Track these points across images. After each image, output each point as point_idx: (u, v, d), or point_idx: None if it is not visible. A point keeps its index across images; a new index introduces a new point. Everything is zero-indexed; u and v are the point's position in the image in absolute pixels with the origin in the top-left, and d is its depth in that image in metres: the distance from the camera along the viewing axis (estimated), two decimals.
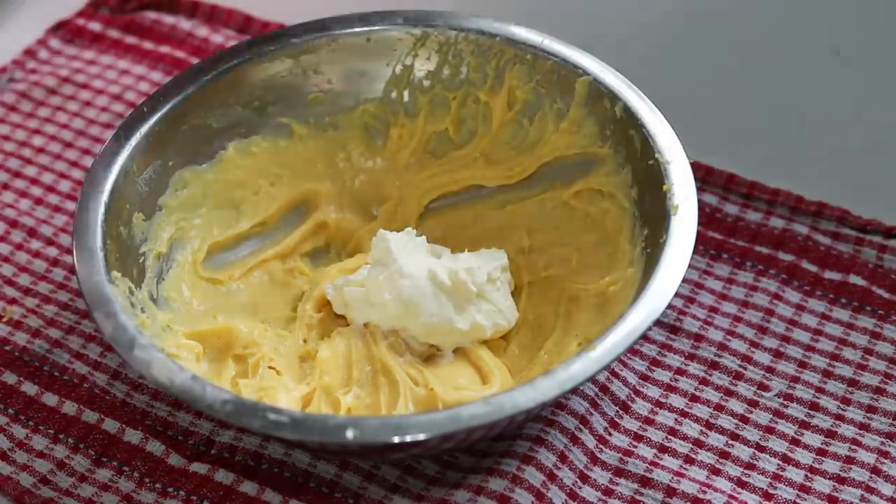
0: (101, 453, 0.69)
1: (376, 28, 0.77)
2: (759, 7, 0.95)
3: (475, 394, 0.68)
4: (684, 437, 0.69)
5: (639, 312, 0.63)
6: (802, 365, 0.73)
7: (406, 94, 0.78)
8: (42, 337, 0.74)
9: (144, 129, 0.72)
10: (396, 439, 0.60)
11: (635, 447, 0.69)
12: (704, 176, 0.81)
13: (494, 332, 0.71)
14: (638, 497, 0.67)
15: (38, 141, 0.85)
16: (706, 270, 0.77)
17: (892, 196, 0.81)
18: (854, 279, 0.76)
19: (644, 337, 0.66)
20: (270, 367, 0.70)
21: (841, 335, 0.74)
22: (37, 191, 0.82)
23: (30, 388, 0.72)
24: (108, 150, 0.70)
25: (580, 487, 0.67)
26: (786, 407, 0.71)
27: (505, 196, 0.77)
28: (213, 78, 0.74)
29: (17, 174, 0.83)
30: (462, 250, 0.74)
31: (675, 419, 0.70)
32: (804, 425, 0.70)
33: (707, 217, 0.79)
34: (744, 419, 0.70)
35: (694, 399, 0.71)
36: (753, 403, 0.71)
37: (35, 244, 0.79)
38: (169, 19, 0.93)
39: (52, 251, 0.79)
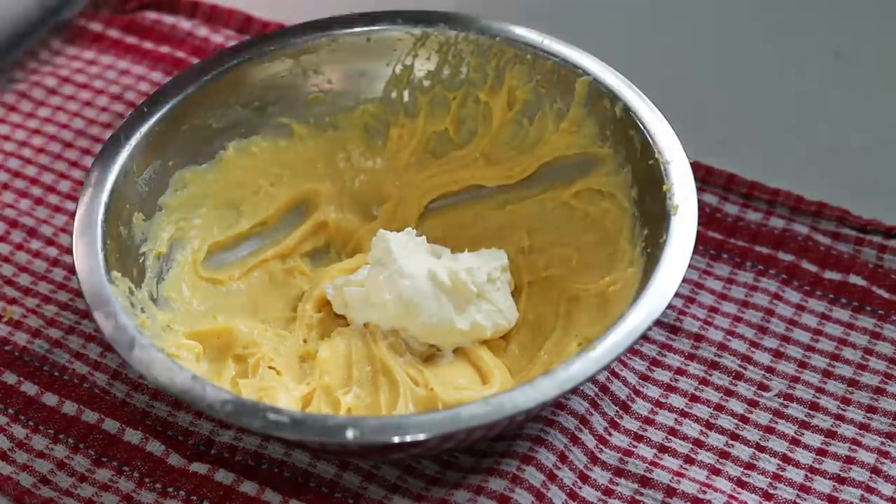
0: (101, 453, 0.69)
1: (376, 28, 0.77)
2: (759, 7, 0.95)
3: (475, 394, 0.68)
4: (684, 437, 0.69)
5: (639, 312, 0.63)
6: (802, 365, 0.73)
7: (406, 94, 0.78)
8: (42, 337, 0.74)
9: (144, 129, 0.72)
10: (396, 439, 0.60)
11: (635, 447, 0.69)
12: (704, 176, 0.81)
13: (494, 332, 0.71)
14: (638, 497, 0.67)
15: (38, 141, 0.85)
16: (706, 270, 0.77)
17: (892, 196, 0.81)
18: (854, 279, 0.76)
19: (644, 337, 0.66)
20: (270, 367, 0.70)
21: (841, 335, 0.74)
22: (37, 191, 0.82)
23: (30, 388, 0.72)
24: (108, 150, 0.70)
25: (580, 487, 0.67)
26: (786, 407, 0.71)
27: (505, 196, 0.77)
28: (213, 78, 0.74)
29: (17, 174, 0.83)
30: (462, 250, 0.74)
31: (675, 419, 0.70)
32: (804, 425, 0.70)
33: (707, 217, 0.79)
34: (744, 419, 0.70)
35: (694, 399, 0.71)
36: (753, 403, 0.71)
37: (35, 244, 0.79)
38: (169, 19, 0.93)
39: (52, 251, 0.79)
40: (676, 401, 0.71)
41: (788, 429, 0.70)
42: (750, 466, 0.68)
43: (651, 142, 0.70)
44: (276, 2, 0.94)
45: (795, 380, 0.72)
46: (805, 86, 0.89)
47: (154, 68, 0.90)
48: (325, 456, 0.68)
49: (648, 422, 0.70)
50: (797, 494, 0.67)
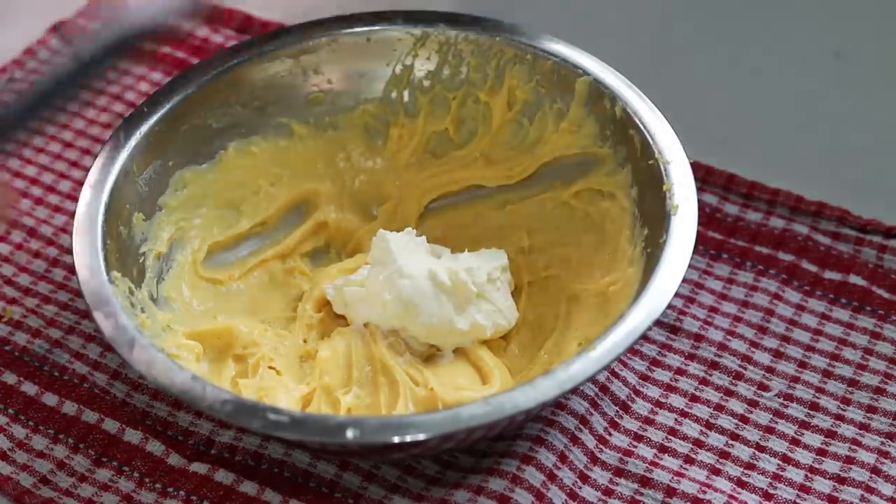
0: (101, 453, 0.69)
1: (376, 28, 0.77)
2: (759, 7, 0.95)
3: (475, 394, 0.68)
4: (684, 437, 0.69)
5: (639, 312, 0.63)
6: (802, 365, 0.73)
7: (406, 94, 0.78)
8: (42, 337, 0.74)
9: (144, 129, 0.72)
10: (396, 439, 0.60)
11: (635, 447, 0.69)
12: (704, 176, 0.81)
13: (494, 332, 0.71)
14: (638, 497, 0.67)
15: (38, 141, 0.85)
16: (706, 270, 0.77)
17: (892, 196, 0.81)
18: (854, 279, 0.76)
19: (644, 337, 0.66)
20: (270, 367, 0.70)
21: (841, 335, 0.74)
22: (37, 191, 0.82)
23: (30, 388, 0.72)
24: (108, 150, 0.70)
25: (580, 487, 0.67)
26: (786, 407, 0.71)
27: (505, 196, 0.77)
28: (213, 78, 0.74)
29: (17, 174, 0.83)
30: (462, 250, 0.74)
31: (675, 419, 0.70)
32: (804, 425, 0.70)
33: (707, 217, 0.79)
34: (744, 419, 0.70)
35: (694, 399, 0.71)
36: (753, 403, 0.71)
37: (35, 244, 0.79)
38: None
39: (52, 251, 0.79)
40: (676, 401, 0.71)
41: (788, 429, 0.70)
42: (750, 466, 0.68)
43: (651, 142, 0.70)
44: (276, 2, 0.94)
45: (795, 380, 0.72)
46: (805, 86, 0.89)
47: (154, 68, 0.90)
48: (325, 456, 0.68)
49: (648, 422, 0.70)
50: (797, 494, 0.67)
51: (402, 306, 0.69)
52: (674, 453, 0.69)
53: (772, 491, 0.67)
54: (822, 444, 0.69)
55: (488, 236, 0.76)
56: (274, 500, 0.66)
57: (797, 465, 0.69)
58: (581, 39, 0.76)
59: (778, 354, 0.73)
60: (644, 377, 0.72)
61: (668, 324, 0.74)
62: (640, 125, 0.71)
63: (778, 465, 0.68)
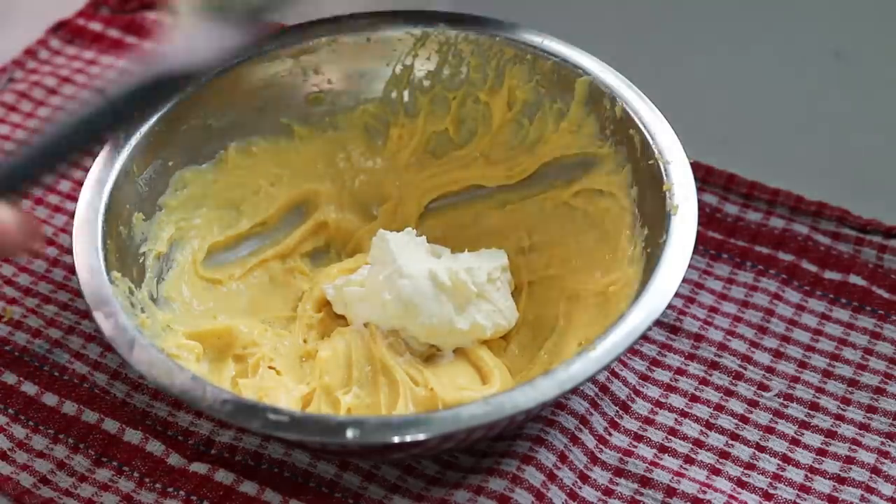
0: (101, 453, 0.69)
1: (376, 28, 0.77)
2: (759, 7, 0.95)
3: (475, 394, 0.68)
4: (684, 437, 0.69)
5: (639, 312, 0.63)
6: (802, 365, 0.73)
7: (406, 94, 0.78)
8: (42, 337, 0.74)
9: (144, 129, 0.72)
10: (396, 439, 0.60)
11: (635, 447, 0.69)
12: (704, 176, 0.81)
13: (494, 332, 0.71)
14: (638, 497, 0.67)
15: None
16: (706, 270, 0.77)
17: (892, 196, 0.81)
18: (854, 279, 0.76)
19: (644, 337, 0.66)
20: (270, 367, 0.70)
21: (841, 335, 0.74)
22: (37, 191, 0.82)
23: (30, 388, 0.72)
24: (108, 150, 0.70)
25: (580, 487, 0.67)
26: (786, 407, 0.71)
27: (505, 196, 0.77)
28: (213, 78, 0.74)
29: None
30: (462, 250, 0.74)
31: (675, 419, 0.70)
32: (804, 425, 0.70)
33: (707, 217, 0.79)
34: (744, 419, 0.70)
35: (694, 399, 0.71)
36: (753, 403, 0.71)
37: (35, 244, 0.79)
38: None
39: (52, 251, 0.79)
40: (676, 401, 0.71)
41: (788, 429, 0.70)
42: (750, 466, 0.68)
43: (651, 142, 0.70)
44: None
45: (795, 380, 0.72)
46: (805, 86, 0.89)
47: None
48: (325, 456, 0.68)
49: (648, 422, 0.70)
50: (797, 494, 0.67)
51: (402, 306, 0.69)
52: (674, 453, 0.69)
53: (772, 491, 0.67)
54: (822, 444, 0.69)
55: (488, 236, 0.76)
56: (274, 500, 0.66)
57: (797, 465, 0.68)
58: (581, 39, 0.76)
59: (778, 354, 0.73)
60: (644, 377, 0.72)
61: (668, 324, 0.74)
62: (640, 125, 0.71)
63: (778, 465, 0.68)
